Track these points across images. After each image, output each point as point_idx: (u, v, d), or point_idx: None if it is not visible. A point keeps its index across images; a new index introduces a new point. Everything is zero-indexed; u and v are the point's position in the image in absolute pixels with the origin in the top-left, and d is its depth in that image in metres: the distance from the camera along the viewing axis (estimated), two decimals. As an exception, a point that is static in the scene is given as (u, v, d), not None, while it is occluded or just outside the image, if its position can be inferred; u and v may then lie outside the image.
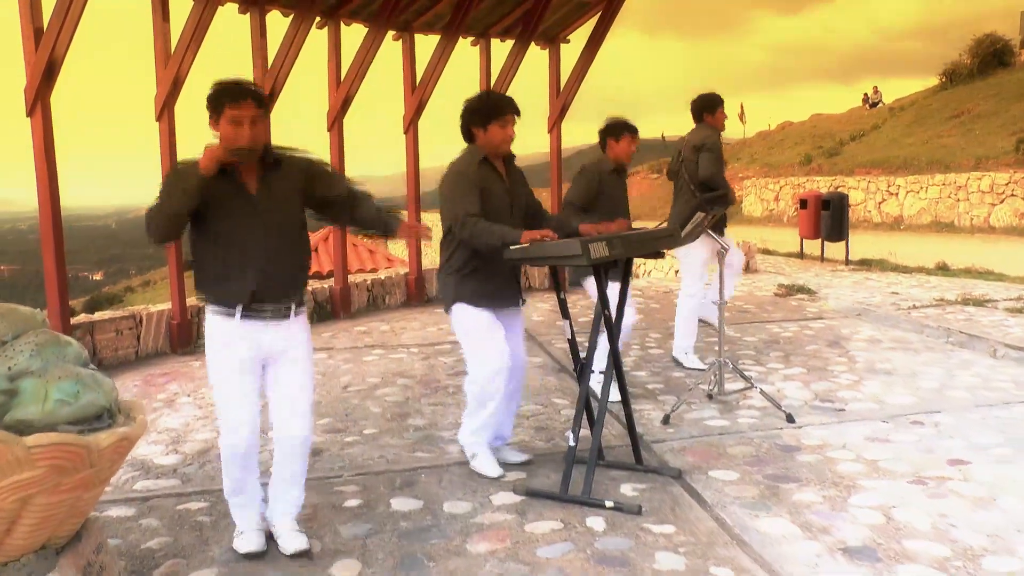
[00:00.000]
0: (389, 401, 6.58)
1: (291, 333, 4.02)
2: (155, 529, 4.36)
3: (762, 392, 6.01)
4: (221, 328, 3.95)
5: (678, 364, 7.48)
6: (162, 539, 4.23)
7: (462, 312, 4.84)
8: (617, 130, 6.36)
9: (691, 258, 7.23)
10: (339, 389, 6.96)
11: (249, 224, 3.86)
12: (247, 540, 4.09)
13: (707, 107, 7.22)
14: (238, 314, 3.90)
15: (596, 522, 4.23)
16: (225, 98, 3.73)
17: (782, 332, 8.93)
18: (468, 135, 4.84)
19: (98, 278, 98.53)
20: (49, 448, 2.84)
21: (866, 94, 41.75)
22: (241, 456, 4.03)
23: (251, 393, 4.00)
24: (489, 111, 4.75)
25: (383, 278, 11.29)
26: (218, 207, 3.83)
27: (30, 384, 2.99)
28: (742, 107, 44.93)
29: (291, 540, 4.05)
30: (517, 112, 4.78)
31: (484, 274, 4.79)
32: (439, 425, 5.88)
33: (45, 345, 3.16)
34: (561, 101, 11.84)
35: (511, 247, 4.38)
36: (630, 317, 5.79)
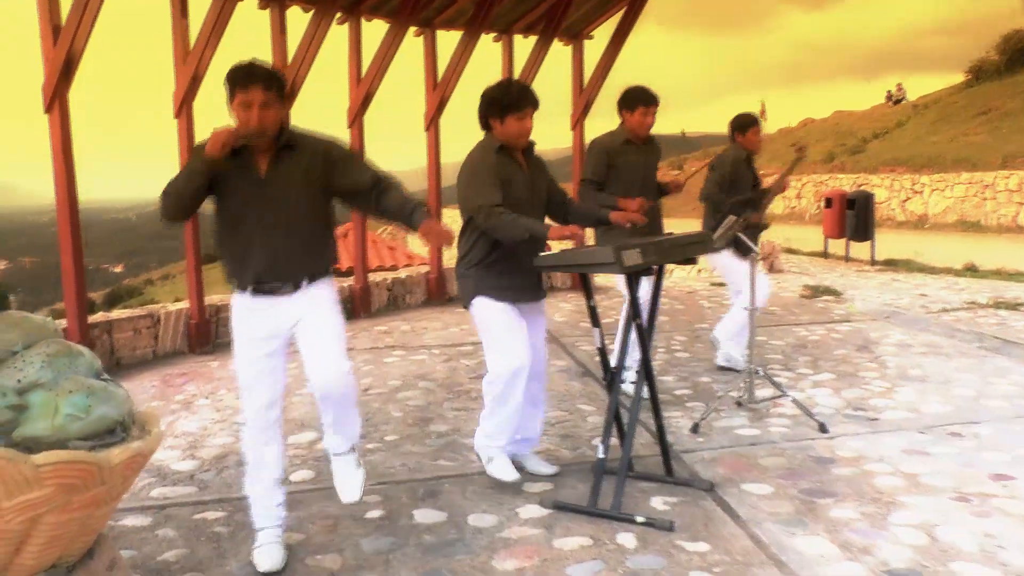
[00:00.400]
0: (411, 405, 6.45)
1: (308, 296, 3.95)
2: (171, 540, 4.24)
3: (794, 401, 5.84)
4: (239, 306, 4.00)
5: (728, 370, 7.28)
6: (178, 551, 4.11)
7: (483, 306, 4.66)
8: (631, 101, 6.13)
9: (732, 270, 7.06)
10: (360, 392, 6.82)
11: (257, 206, 3.85)
12: (266, 554, 3.96)
13: (737, 127, 7.14)
14: (249, 292, 3.94)
15: (627, 538, 4.08)
16: (235, 82, 3.74)
17: (809, 335, 8.74)
18: (485, 124, 4.69)
19: (119, 271, 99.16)
20: (58, 466, 2.71)
21: (890, 91, 41.38)
22: (259, 430, 4.01)
23: (269, 371, 3.98)
24: (508, 103, 4.58)
25: (403, 277, 11.16)
26: (229, 189, 3.85)
27: (40, 398, 2.86)
28: (763, 104, 44.56)
29: (346, 482, 4.14)
30: (536, 105, 4.63)
31: (505, 266, 4.61)
32: (462, 432, 5.73)
33: (57, 356, 3.02)
34: (584, 98, 11.67)
35: (541, 255, 4.23)
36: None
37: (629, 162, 6.13)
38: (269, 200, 3.85)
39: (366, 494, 4.66)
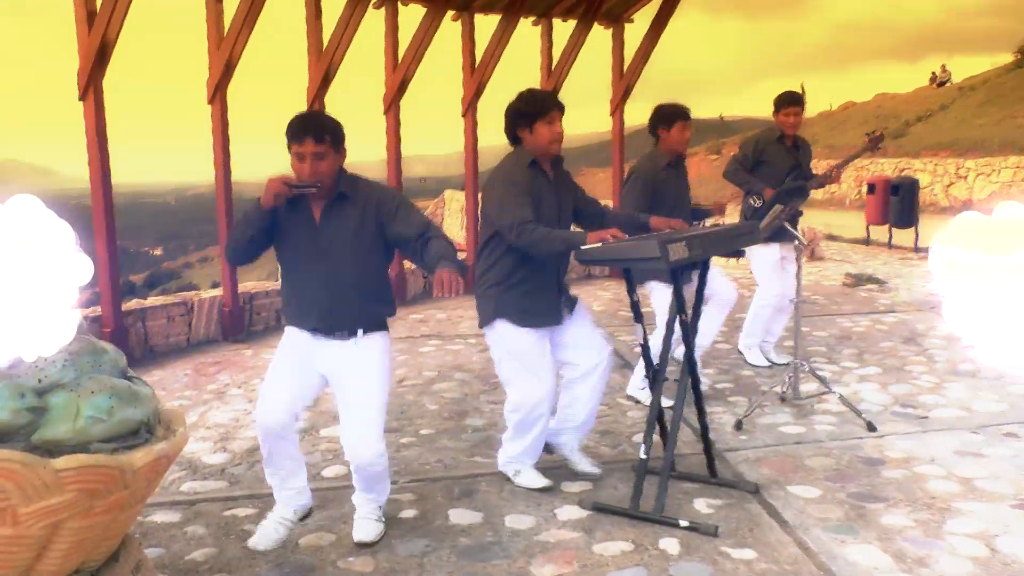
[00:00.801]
0: (446, 398, 6.33)
1: (359, 353, 3.94)
2: (200, 538, 4.14)
3: (841, 398, 5.64)
4: (291, 333, 4.08)
5: (742, 356, 7.15)
6: (207, 550, 4.01)
7: (504, 331, 4.47)
8: (668, 118, 5.74)
9: (759, 256, 6.85)
10: (395, 383, 6.71)
11: (312, 254, 3.90)
12: (267, 528, 4.11)
13: (775, 106, 6.89)
14: (308, 333, 4.00)
15: (670, 544, 3.92)
16: (290, 133, 3.80)
17: (854, 327, 8.52)
18: (514, 138, 4.52)
19: (158, 253, 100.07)
20: (79, 471, 2.60)
21: (934, 73, 40.63)
22: (269, 436, 4.01)
23: (292, 384, 4.01)
24: (533, 111, 4.42)
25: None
26: (287, 236, 3.92)
27: (61, 399, 2.74)
28: (803, 87, 44.06)
29: (361, 526, 4.09)
30: (562, 108, 4.46)
31: (529, 287, 4.43)
32: (498, 426, 5.58)
33: (79, 354, 2.91)
34: (625, 83, 11.46)
35: (584, 247, 4.06)
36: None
37: (671, 185, 5.78)
38: (323, 249, 3.89)
39: (400, 491, 4.60)
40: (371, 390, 3.94)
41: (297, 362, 4.01)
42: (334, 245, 3.87)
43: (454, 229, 26.15)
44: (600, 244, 4.02)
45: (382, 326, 4.05)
